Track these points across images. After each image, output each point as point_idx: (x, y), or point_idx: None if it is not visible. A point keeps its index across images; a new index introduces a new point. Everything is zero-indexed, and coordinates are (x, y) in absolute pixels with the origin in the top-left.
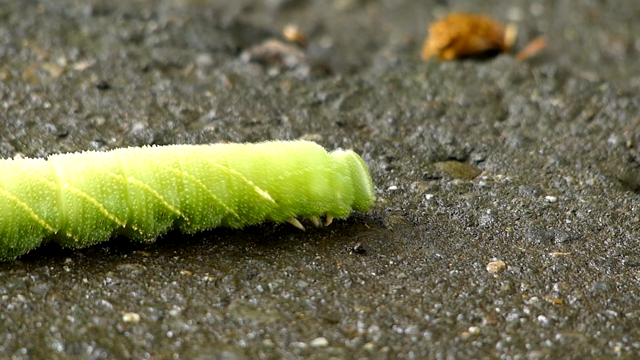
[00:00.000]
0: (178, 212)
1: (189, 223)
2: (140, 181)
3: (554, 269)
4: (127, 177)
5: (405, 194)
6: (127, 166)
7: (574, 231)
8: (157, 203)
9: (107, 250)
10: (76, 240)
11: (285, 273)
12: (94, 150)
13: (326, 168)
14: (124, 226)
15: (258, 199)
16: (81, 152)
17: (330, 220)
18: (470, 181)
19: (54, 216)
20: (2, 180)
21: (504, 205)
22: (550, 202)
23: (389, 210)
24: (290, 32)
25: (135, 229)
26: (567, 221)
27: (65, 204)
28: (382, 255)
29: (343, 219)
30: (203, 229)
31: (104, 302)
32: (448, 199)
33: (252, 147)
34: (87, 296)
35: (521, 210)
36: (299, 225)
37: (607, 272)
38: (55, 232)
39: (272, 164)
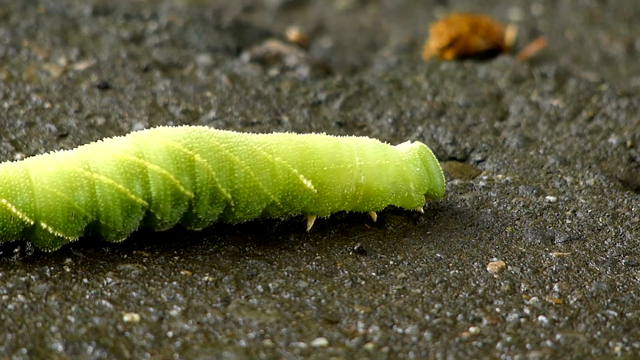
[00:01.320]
0: (229, 196)
1: (233, 210)
2: (205, 160)
3: (554, 269)
4: (195, 154)
5: None
6: (196, 145)
7: (574, 231)
8: (214, 186)
9: (107, 250)
10: (159, 218)
11: (286, 273)
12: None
13: (385, 161)
14: (192, 204)
15: (302, 188)
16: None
17: (375, 216)
18: (471, 181)
19: (148, 193)
20: (97, 165)
21: (504, 206)
22: (550, 202)
23: (389, 210)
24: (293, 33)
25: (195, 211)
26: (568, 221)
27: (151, 182)
28: (382, 256)
29: (419, 210)
30: (245, 220)
31: (104, 302)
32: (448, 199)
33: (299, 136)
34: (88, 296)
35: (521, 210)
36: (311, 224)
37: (608, 272)
38: (150, 210)
39: (318, 154)
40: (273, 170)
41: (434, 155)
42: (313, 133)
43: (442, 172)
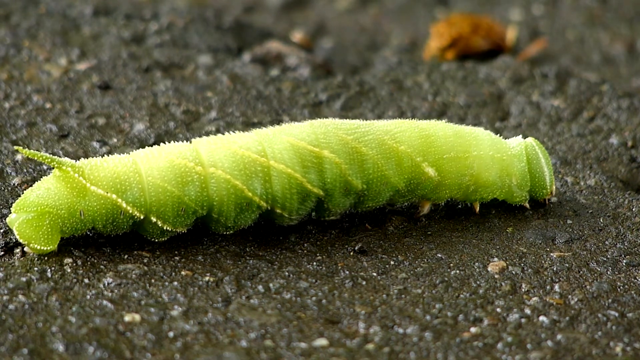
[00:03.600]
0: (360, 186)
1: (363, 199)
2: (334, 155)
3: (555, 269)
4: (323, 151)
5: None
6: (323, 140)
7: (575, 231)
8: (346, 178)
9: (108, 250)
10: (286, 215)
11: (287, 273)
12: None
13: (497, 154)
14: (323, 199)
15: (424, 176)
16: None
17: (477, 207)
18: None
19: (266, 192)
20: (214, 159)
21: (505, 206)
22: (551, 202)
23: (390, 210)
24: (297, 36)
25: (326, 205)
26: (569, 221)
27: (275, 181)
28: (383, 256)
29: (524, 205)
30: (373, 208)
31: (105, 302)
32: (448, 199)
33: (420, 123)
34: (88, 296)
35: (522, 210)
36: (425, 210)
37: (608, 273)
38: (269, 208)
39: (439, 142)
40: (399, 158)
41: (547, 154)
42: (434, 120)
43: (552, 172)
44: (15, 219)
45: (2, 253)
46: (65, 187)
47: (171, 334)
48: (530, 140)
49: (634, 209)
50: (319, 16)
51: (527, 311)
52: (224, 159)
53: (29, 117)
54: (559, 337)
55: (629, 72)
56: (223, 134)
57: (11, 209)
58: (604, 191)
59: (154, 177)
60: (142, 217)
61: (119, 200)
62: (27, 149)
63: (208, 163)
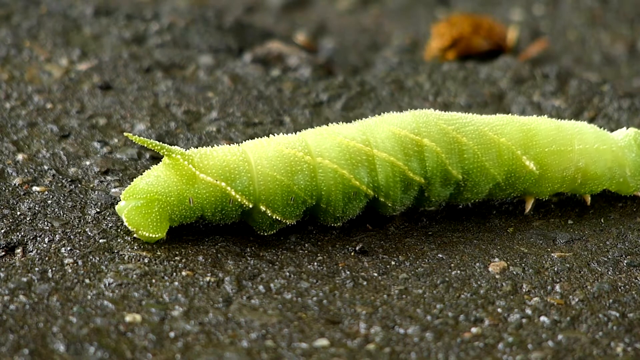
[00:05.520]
0: (459, 176)
1: (462, 190)
2: (434, 144)
3: (556, 269)
4: (423, 139)
5: None
6: (424, 129)
7: (575, 232)
8: (445, 167)
9: (109, 250)
10: (390, 205)
11: (287, 273)
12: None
13: (603, 146)
14: (424, 187)
15: (524, 169)
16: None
17: (588, 199)
18: None
19: (372, 181)
20: (321, 149)
21: (506, 206)
22: (552, 202)
23: None
24: (300, 38)
25: (427, 194)
26: (569, 222)
27: (379, 170)
28: (384, 256)
29: (637, 194)
30: (473, 200)
31: (105, 302)
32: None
33: (522, 118)
34: (89, 297)
35: (523, 210)
36: (530, 206)
37: (609, 273)
38: (375, 197)
39: (540, 136)
40: (499, 150)
41: None
42: (535, 115)
43: None
44: (125, 206)
45: (3, 253)
46: (174, 175)
47: (172, 334)
48: (634, 130)
49: (634, 209)
50: (320, 16)
51: (528, 311)
52: (330, 149)
53: (30, 118)
54: (559, 337)
55: (630, 73)
56: (223, 134)
57: (120, 196)
58: (604, 191)
59: (263, 166)
60: (250, 206)
61: (228, 188)
62: (136, 136)
63: (316, 153)
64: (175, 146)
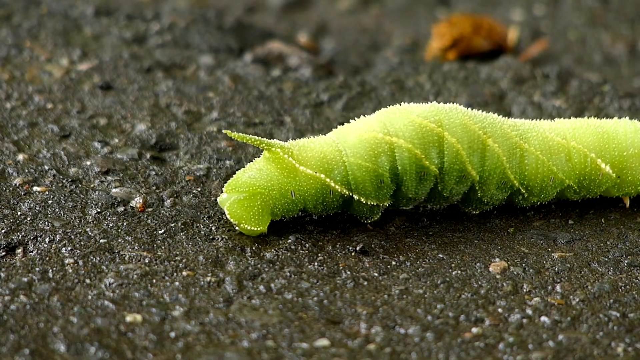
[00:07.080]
0: (516, 183)
1: (525, 195)
2: (497, 145)
3: (556, 269)
4: (488, 139)
5: None
6: (489, 130)
7: (576, 232)
8: (503, 171)
9: (109, 250)
10: (445, 194)
11: (288, 274)
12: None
13: None
14: (477, 186)
15: (599, 172)
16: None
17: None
18: None
19: (441, 162)
20: (396, 129)
21: (507, 206)
22: (552, 202)
23: (391, 210)
24: (301, 39)
25: (479, 195)
26: (570, 222)
27: (445, 152)
28: (385, 256)
29: None
30: (539, 202)
31: (106, 302)
32: None
33: (596, 121)
34: (90, 297)
35: (523, 210)
36: (627, 202)
37: (610, 273)
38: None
39: (618, 139)
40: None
41: None
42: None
43: None
44: (227, 199)
45: (4, 253)
46: (276, 168)
47: (173, 334)
48: None
49: (635, 209)
50: (320, 16)
51: (529, 311)
52: (404, 129)
53: (31, 118)
54: (560, 337)
55: (631, 73)
56: (223, 134)
57: (223, 189)
58: None
59: (347, 155)
60: (350, 195)
61: (327, 179)
62: (235, 132)
63: (392, 132)
64: (275, 139)
